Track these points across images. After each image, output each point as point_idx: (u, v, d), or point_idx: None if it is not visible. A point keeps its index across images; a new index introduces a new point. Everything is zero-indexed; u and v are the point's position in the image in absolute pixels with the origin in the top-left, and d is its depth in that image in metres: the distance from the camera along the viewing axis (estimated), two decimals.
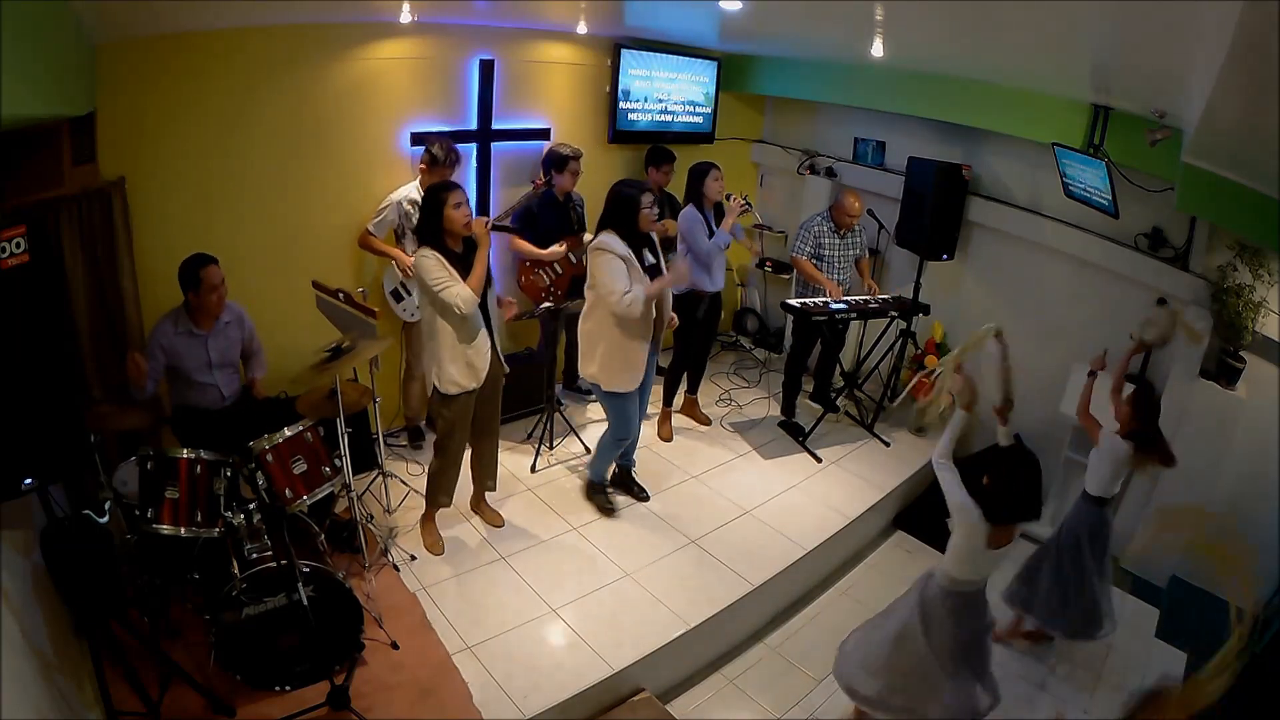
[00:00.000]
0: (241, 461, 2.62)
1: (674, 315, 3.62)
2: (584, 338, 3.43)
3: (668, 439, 4.51)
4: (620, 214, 3.26)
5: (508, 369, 3.34)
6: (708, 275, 4.16)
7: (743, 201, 4.00)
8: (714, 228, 4.06)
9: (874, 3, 3.15)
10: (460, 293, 2.89)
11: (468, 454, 3.37)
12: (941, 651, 2.52)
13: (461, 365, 3.03)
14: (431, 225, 2.95)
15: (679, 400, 4.65)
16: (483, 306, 3.07)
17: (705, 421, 4.69)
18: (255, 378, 3.30)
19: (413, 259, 3.09)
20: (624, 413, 3.50)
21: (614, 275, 3.18)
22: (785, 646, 3.38)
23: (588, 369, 3.43)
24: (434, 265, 2.90)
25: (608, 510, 3.72)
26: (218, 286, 2.98)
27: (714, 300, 4.33)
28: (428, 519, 3.40)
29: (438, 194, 2.95)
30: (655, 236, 3.47)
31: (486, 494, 3.60)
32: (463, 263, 2.97)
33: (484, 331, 3.09)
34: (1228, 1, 1.58)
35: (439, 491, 3.33)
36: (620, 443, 3.63)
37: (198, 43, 3.18)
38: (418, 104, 3.97)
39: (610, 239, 3.21)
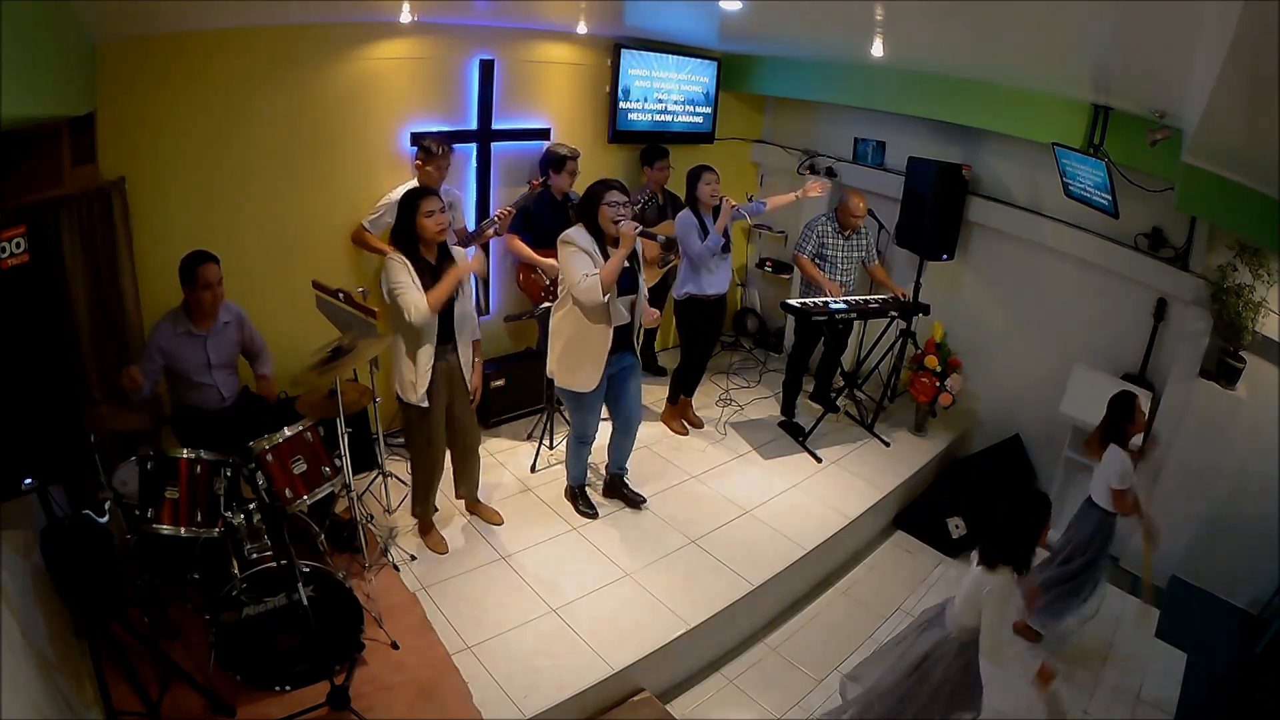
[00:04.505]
0: (241, 461, 2.61)
1: (655, 310, 3.53)
2: (551, 331, 3.42)
3: (683, 433, 4.55)
4: (584, 208, 3.27)
5: (473, 396, 3.30)
6: (705, 278, 4.14)
7: (734, 204, 3.99)
8: (711, 230, 4.05)
9: (874, 2, 3.15)
10: (415, 300, 2.84)
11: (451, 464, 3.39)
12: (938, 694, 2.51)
13: (413, 376, 3.01)
14: (405, 231, 2.93)
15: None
16: (448, 327, 3.03)
17: (696, 424, 4.67)
18: (264, 374, 3.28)
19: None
20: (580, 412, 3.48)
21: (574, 263, 3.16)
22: (785, 646, 3.38)
23: (550, 363, 3.43)
24: (397, 268, 2.87)
25: (588, 515, 3.69)
26: (213, 285, 2.96)
27: (717, 304, 4.29)
28: (422, 527, 3.42)
29: (413, 200, 2.93)
30: (639, 245, 3.34)
31: (481, 494, 3.59)
32: (434, 273, 2.93)
33: (431, 351, 2.99)
34: (1228, 1, 1.59)
35: (415, 503, 3.36)
36: (581, 442, 3.61)
37: (198, 43, 3.17)
38: (418, 104, 3.96)
39: (574, 232, 3.21)
